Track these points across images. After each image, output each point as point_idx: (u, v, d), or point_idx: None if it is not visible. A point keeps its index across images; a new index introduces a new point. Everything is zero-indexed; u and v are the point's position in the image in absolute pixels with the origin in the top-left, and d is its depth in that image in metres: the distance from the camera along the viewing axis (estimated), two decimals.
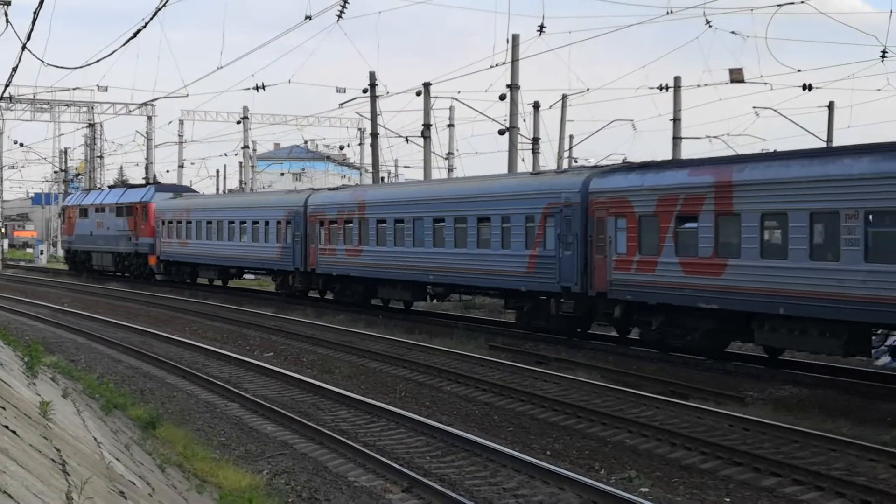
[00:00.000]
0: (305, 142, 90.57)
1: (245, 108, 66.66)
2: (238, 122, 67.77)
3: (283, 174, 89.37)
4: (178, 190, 59.34)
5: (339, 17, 27.88)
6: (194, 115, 78.16)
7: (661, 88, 45.79)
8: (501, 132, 42.49)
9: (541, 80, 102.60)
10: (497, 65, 37.63)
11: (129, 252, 56.41)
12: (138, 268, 56.08)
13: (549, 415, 18.21)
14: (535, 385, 21.01)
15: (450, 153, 65.05)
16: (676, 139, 47.36)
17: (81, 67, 57.39)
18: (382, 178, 59.44)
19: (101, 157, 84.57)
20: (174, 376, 22.95)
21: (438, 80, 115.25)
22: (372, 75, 46.71)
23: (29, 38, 21.11)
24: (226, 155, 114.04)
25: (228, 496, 11.68)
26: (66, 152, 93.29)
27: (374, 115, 47.12)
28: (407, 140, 52.51)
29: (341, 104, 57.23)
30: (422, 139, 46.30)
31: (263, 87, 48.39)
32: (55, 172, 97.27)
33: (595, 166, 29.92)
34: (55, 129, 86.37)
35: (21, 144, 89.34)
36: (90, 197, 64.11)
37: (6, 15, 22.15)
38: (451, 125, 62.73)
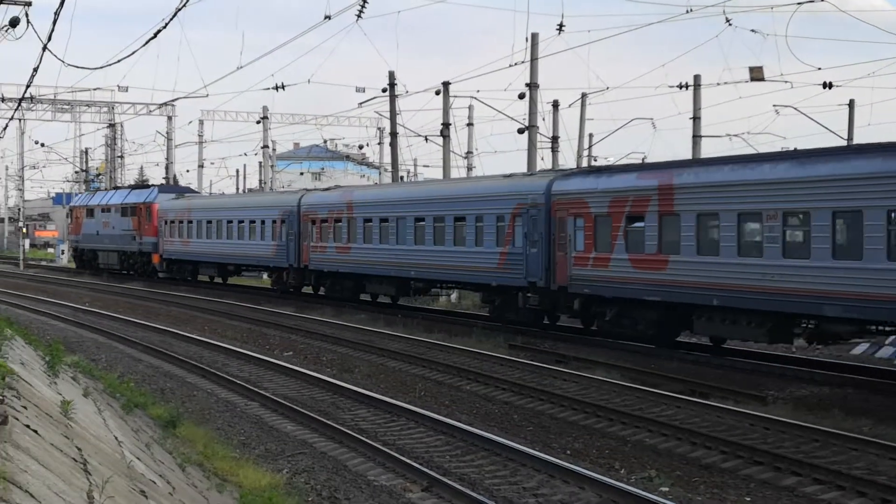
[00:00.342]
0: (325, 141, 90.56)
1: (265, 108, 66.72)
2: (258, 122, 67.90)
3: (302, 174, 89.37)
4: (181, 191, 60.44)
5: (359, 16, 27.98)
6: (214, 114, 78.50)
7: (680, 87, 45.67)
8: (521, 131, 42.44)
9: (560, 79, 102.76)
10: (516, 63, 37.69)
11: (134, 251, 57.52)
12: (142, 266, 57.22)
13: (568, 414, 18.20)
14: (555, 384, 21.00)
15: (469, 152, 64.82)
16: (696, 137, 47.15)
17: (102, 68, 57.61)
18: (402, 178, 59.33)
19: (121, 157, 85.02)
20: (194, 375, 23.04)
21: (457, 79, 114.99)
22: (391, 75, 46.67)
23: (50, 38, 21.15)
24: (245, 154, 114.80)
25: (248, 495, 11.71)
26: (86, 152, 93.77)
27: (393, 114, 47.11)
28: (426, 139, 52.45)
29: (360, 104, 57.01)
30: (441, 138, 46.27)
31: (283, 87, 48.72)
32: (76, 172, 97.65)
33: (561, 169, 32.20)
34: (76, 129, 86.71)
35: (42, 144, 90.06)
36: (96, 198, 65.27)
37: (27, 16, 22.19)
38: (470, 124, 62.46)
